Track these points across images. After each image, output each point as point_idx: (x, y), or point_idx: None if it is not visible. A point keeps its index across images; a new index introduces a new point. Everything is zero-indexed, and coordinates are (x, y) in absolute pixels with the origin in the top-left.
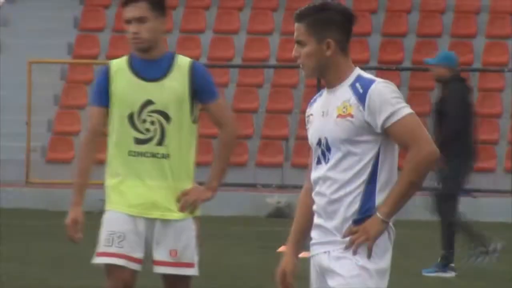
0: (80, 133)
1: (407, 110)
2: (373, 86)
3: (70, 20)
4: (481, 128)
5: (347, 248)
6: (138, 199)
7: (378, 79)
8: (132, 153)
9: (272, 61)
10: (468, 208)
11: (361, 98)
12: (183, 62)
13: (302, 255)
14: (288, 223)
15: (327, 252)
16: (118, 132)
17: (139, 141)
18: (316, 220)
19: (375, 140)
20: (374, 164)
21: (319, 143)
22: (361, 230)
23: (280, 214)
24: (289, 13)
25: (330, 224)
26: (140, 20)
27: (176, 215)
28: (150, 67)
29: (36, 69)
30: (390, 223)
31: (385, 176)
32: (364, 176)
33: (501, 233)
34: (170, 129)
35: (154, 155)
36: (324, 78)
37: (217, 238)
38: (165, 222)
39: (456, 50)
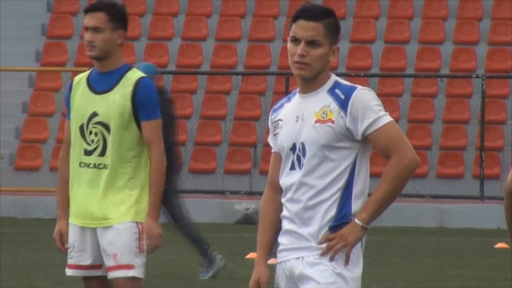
0: (48, 141)
1: (388, 118)
2: (355, 93)
3: (38, 27)
4: (449, 135)
5: (323, 254)
6: (81, 210)
7: (359, 86)
8: (81, 164)
9: (240, 68)
10: (437, 214)
11: (343, 104)
12: (132, 76)
13: (270, 261)
14: (257, 230)
15: (300, 258)
16: (73, 143)
17: (86, 152)
18: (288, 226)
19: (353, 147)
20: (351, 171)
21: (293, 148)
22: (338, 237)
23: (249, 221)
24: (256, 20)
25: (305, 231)
26: (96, 29)
27: (112, 221)
28: (102, 79)
29: (4, 77)
30: None
31: (361, 183)
32: (341, 183)
33: (470, 238)
34: (111, 141)
35: (96, 166)
36: (310, 82)
37: (185, 244)
38: (104, 229)
39: (424, 55)
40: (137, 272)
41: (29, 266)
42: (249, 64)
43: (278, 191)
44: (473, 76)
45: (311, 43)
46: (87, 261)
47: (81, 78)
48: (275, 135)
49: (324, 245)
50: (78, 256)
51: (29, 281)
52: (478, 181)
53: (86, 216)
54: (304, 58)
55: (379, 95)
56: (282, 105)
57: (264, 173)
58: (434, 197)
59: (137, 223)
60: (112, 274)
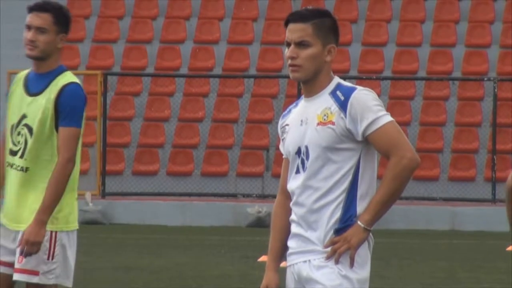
0: None
1: (388, 118)
2: (354, 94)
3: None
4: (461, 137)
5: (328, 257)
6: (4, 211)
7: (359, 87)
8: (7, 164)
9: (252, 71)
10: (449, 217)
11: (343, 105)
12: (61, 81)
13: (282, 264)
14: (269, 232)
15: (307, 261)
16: (6, 143)
17: (11, 152)
18: (295, 229)
19: (355, 148)
20: (355, 173)
21: (298, 152)
22: (342, 239)
23: (261, 224)
24: (268, 23)
25: (311, 234)
26: (40, 30)
27: (22, 226)
28: (37, 81)
29: (7, 80)
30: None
31: (366, 185)
32: (345, 185)
33: (482, 241)
34: (31, 144)
35: (16, 167)
36: (310, 84)
37: (198, 248)
38: (18, 232)
39: (436, 58)
40: (42, 279)
41: None
42: (262, 67)
43: (289, 196)
44: (485, 79)
45: (300, 44)
46: (7, 258)
47: (19, 78)
48: (283, 140)
49: (329, 249)
50: (2, 253)
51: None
52: (490, 184)
53: (7, 217)
54: (295, 60)
55: (391, 98)
56: (290, 111)
57: (277, 176)
58: (446, 200)
59: (51, 231)
60: (14, 276)
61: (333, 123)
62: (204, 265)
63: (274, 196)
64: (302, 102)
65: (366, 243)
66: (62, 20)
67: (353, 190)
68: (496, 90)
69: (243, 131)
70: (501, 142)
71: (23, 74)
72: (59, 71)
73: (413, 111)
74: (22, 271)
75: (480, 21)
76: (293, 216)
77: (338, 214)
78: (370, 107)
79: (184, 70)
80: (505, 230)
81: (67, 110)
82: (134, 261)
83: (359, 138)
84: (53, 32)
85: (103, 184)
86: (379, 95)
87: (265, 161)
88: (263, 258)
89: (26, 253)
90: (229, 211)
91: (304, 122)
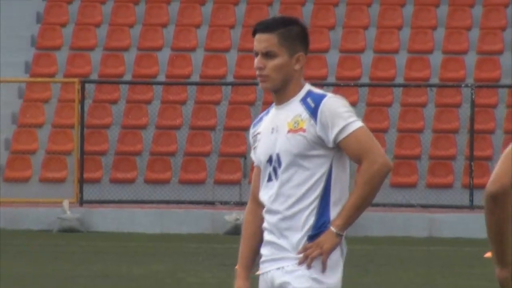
0: (37, 152)
1: (358, 123)
2: (324, 101)
3: (27, 38)
4: (439, 144)
5: (301, 263)
6: None
7: (329, 94)
8: None
9: (230, 78)
10: (427, 224)
11: (313, 112)
12: None
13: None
14: None
15: (281, 268)
16: None
17: None
18: (268, 237)
19: (327, 155)
20: (327, 179)
21: (269, 160)
22: (315, 245)
23: (239, 231)
24: (246, 30)
25: (284, 241)
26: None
27: None
28: None
29: None
30: (343, 239)
31: (339, 191)
32: (318, 191)
33: (460, 248)
34: None
35: None
36: (280, 93)
37: (176, 256)
38: None
39: (413, 65)
40: None
41: (18, 277)
42: (239, 75)
43: (261, 204)
44: (462, 85)
45: (267, 55)
46: None
47: None
48: (254, 148)
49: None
50: None
51: None
52: (467, 190)
53: None
54: (262, 70)
55: (369, 104)
56: (261, 119)
57: None
58: (424, 206)
59: None
60: None
61: (303, 130)
62: (183, 273)
63: None
64: (273, 110)
65: (339, 250)
66: None
67: (326, 196)
68: (473, 97)
69: (220, 138)
70: (479, 149)
71: None
72: None
73: (390, 117)
74: None
75: (457, 27)
76: (265, 224)
77: (311, 221)
78: (340, 113)
79: (161, 78)
80: (482, 237)
81: None
82: (112, 269)
83: (330, 145)
84: None
85: (81, 191)
86: (356, 102)
87: (242, 169)
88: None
89: None
90: (207, 218)
91: (275, 130)
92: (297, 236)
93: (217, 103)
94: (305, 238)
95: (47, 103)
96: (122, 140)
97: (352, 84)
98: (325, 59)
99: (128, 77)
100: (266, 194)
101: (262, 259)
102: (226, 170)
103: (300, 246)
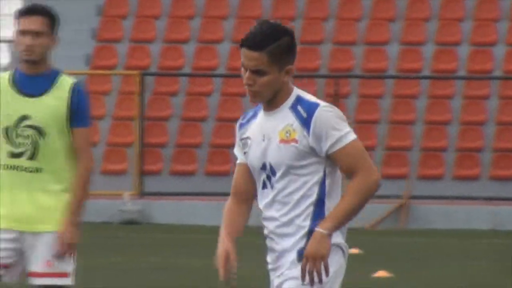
0: (98, 144)
1: (352, 136)
2: (317, 112)
3: (88, 31)
4: (502, 136)
5: (304, 280)
6: (8, 212)
7: (321, 103)
8: (5, 167)
9: (222, 70)
10: (490, 216)
11: (306, 123)
12: (65, 81)
13: None
14: None
15: (280, 274)
16: None
17: (12, 155)
18: (268, 243)
19: (320, 162)
20: (321, 185)
21: (263, 167)
22: (311, 258)
23: None
24: (239, 21)
25: (281, 247)
26: (36, 34)
27: (47, 227)
28: (32, 82)
29: None
30: (343, 241)
31: (333, 196)
32: (312, 198)
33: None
34: (43, 145)
35: (25, 169)
36: (270, 102)
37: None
38: (36, 234)
39: (440, 57)
40: (70, 280)
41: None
42: (231, 66)
43: (243, 201)
44: (490, 77)
45: (256, 72)
46: (6, 260)
47: (2, 80)
48: (245, 153)
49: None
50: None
51: None
52: None
53: (14, 219)
54: (252, 86)
55: (430, 97)
56: (249, 121)
57: None
58: (487, 199)
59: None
60: (42, 281)
61: (296, 141)
62: (246, 264)
63: None
64: (262, 115)
65: (341, 252)
66: (53, 22)
67: (320, 202)
68: None
69: (211, 129)
70: None
71: (4, 76)
72: (56, 72)
73: (453, 110)
74: (53, 275)
75: (485, 19)
76: (265, 231)
77: (306, 227)
78: (333, 125)
79: (153, 69)
80: None
81: (81, 110)
82: (172, 261)
83: (323, 155)
84: (48, 34)
85: (141, 184)
86: (418, 95)
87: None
88: None
89: (60, 255)
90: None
91: (266, 138)
92: (293, 241)
93: (208, 94)
94: (302, 243)
95: (108, 95)
96: (182, 132)
97: (413, 76)
98: (350, 51)
99: (187, 69)
100: (261, 201)
101: (268, 266)
102: (217, 162)
103: (296, 248)
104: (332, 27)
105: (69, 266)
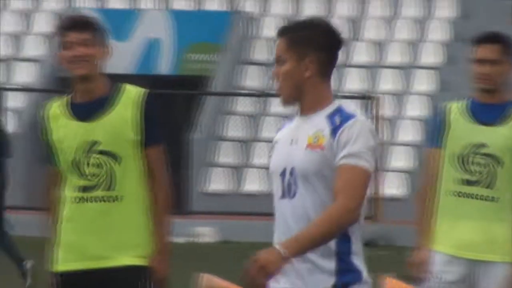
0: None
1: (364, 163)
2: (351, 121)
3: None
4: None
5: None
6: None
7: (360, 115)
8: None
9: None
10: None
11: (335, 130)
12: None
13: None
14: None
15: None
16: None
17: (466, 182)
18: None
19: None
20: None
21: (283, 173)
22: (258, 266)
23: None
24: None
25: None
26: (493, 62)
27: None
28: (486, 110)
29: None
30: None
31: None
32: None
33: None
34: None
35: (476, 196)
36: (300, 103)
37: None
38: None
39: None
40: None
41: None
42: None
43: None
44: None
45: (279, 61)
46: None
47: (459, 106)
48: (270, 157)
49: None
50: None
51: None
52: None
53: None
54: (276, 80)
55: None
56: (284, 126)
57: None
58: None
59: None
60: None
61: (322, 148)
62: None
63: None
64: (297, 119)
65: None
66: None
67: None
68: None
69: None
70: None
71: (460, 104)
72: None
73: None
74: None
75: None
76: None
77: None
78: (359, 138)
79: None
80: None
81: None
82: None
83: (336, 164)
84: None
85: None
86: None
87: None
88: None
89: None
90: None
91: (294, 142)
92: (314, 255)
93: None
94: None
95: None
96: None
97: None
98: None
99: None
100: (278, 211)
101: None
102: None
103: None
104: None
105: None
